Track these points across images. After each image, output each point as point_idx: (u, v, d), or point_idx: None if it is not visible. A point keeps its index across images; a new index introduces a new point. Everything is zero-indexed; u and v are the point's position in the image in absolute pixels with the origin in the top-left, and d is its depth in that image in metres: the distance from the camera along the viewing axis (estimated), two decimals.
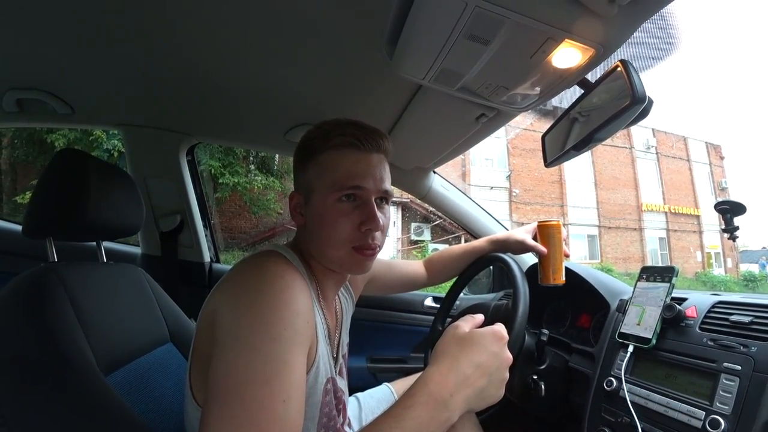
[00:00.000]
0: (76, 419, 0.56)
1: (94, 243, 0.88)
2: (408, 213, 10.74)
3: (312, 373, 0.58)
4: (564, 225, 0.92)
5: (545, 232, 0.90)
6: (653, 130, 14.52)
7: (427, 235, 10.92)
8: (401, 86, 0.87)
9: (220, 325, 0.49)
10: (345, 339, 0.75)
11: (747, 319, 0.68)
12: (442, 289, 1.38)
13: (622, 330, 0.81)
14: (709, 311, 0.75)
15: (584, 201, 13.29)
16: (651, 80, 0.63)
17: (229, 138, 1.43)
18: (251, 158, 8.26)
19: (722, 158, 16.06)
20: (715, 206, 0.85)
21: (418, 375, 0.50)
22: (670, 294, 0.78)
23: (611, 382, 0.76)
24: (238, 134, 1.34)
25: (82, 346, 0.60)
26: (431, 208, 1.54)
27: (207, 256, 1.45)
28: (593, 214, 13.44)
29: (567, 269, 0.91)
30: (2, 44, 0.83)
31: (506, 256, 0.89)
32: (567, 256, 0.91)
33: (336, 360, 0.69)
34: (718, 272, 13.98)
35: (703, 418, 0.62)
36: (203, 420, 0.43)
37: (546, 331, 0.87)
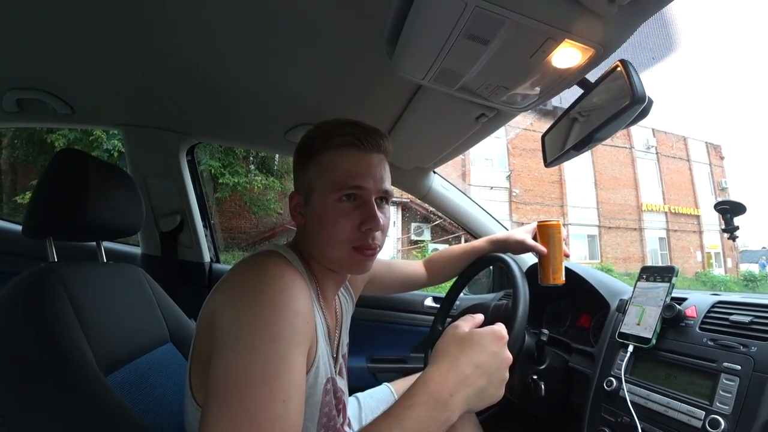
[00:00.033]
0: (76, 419, 0.56)
1: (94, 243, 0.88)
2: (408, 213, 10.74)
3: (312, 373, 0.58)
4: (564, 225, 0.92)
5: (545, 232, 0.90)
6: (653, 130, 14.53)
7: (427, 235, 10.92)
8: (401, 86, 0.87)
9: (220, 325, 0.49)
10: (345, 339, 0.75)
11: (747, 319, 0.68)
12: (442, 289, 1.38)
13: (622, 330, 0.81)
14: (709, 311, 0.75)
15: (584, 201, 13.29)
16: (651, 80, 0.63)
17: (229, 138, 1.43)
18: (251, 158, 8.27)
19: (722, 158, 16.06)
20: (715, 206, 0.85)
21: (418, 375, 0.50)
22: (670, 294, 0.78)
23: (611, 382, 0.76)
24: (238, 134, 1.34)
25: (82, 346, 0.60)
26: (431, 208, 1.54)
27: (207, 256, 1.45)
28: (593, 214, 13.44)
29: (567, 269, 0.91)
30: (2, 44, 0.83)
31: (506, 256, 0.90)
32: (567, 256, 0.91)
33: (336, 360, 0.69)
34: (718, 272, 13.98)
35: (703, 417, 0.62)
36: (203, 420, 0.43)
37: (546, 331, 0.87)
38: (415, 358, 1.45)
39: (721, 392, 0.63)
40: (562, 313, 1.11)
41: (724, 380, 0.63)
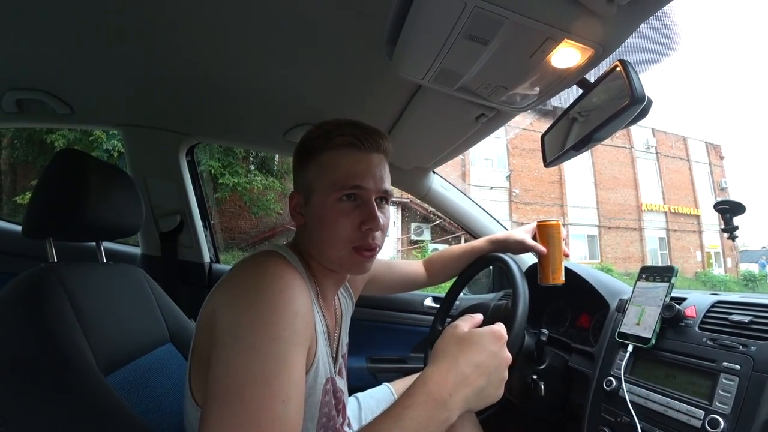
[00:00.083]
0: (75, 419, 0.56)
1: (94, 243, 0.88)
2: (408, 213, 10.74)
3: (311, 374, 0.58)
4: (564, 225, 0.92)
5: (545, 232, 0.90)
6: (653, 129, 14.53)
7: (426, 235, 10.92)
8: (401, 86, 0.87)
9: (220, 325, 0.49)
10: (344, 339, 0.75)
11: (746, 319, 0.68)
12: (442, 289, 1.38)
13: (622, 330, 0.81)
14: (708, 311, 0.75)
15: (584, 201, 13.29)
16: (650, 80, 0.63)
17: (229, 138, 1.43)
18: (251, 158, 8.27)
19: (722, 158, 16.06)
20: (715, 206, 0.85)
21: (417, 375, 0.50)
22: (670, 294, 0.78)
23: (611, 381, 0.76)
24: (238, 134, 1.34)
25: (81, 347, 0.60)
26: (431, 208, 1.54)
27: (207, 257, 1.45)
28: (593, 214, 13.44)
29: (566, 269, 0.91)
30: (2, 44, 0.83)
31: (506, 256, 0.90)
32: (567, 255, 0.91)
33: (335, 360, 0.69)
34: (717, 272, 13.99)
35: (702, 417, 0.62)
36: (203, 420, 0.43)
37: (546, 331, 0.87)
38: (415, 358, 1.45)
39: (720, 392, 0.63)
40: (561, 313, 1.11)
41: (723, 380, 0.63)
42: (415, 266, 1.05)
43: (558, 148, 0.76)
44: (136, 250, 1.42)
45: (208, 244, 1.47)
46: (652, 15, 0.52)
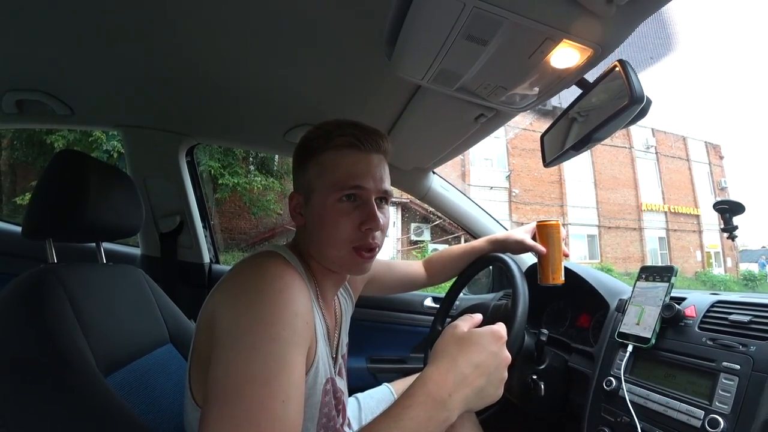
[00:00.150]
0: (75, 420, 0.56)
1: (94, 244, 0.88)
2: (408, 213, 10.74)
3: (311, 374, 0.58)
4: (564, 225, 0.92)
5: (544, 232, 0.90)
6: (652, 129, 14.53)
7: (426, 236, 10.91)
8: (400, 87, 0.87)
9: (220, 325, 0.49)
10: (344, 339, 0.76)
11: (746, 319, 0.68)
12: (442, 289, 1.38)
13: (622, 330, 0.81)
14: (708, 311, 0.75)
15: (584, 201, 13.29)
16: (649, 80, 0.63)
17: (229, 139, 1.43)
18: (251, 159, 8.27)
19: (722, 158, 16.06)
20: (714, 206, 0.85)
21: (417, 375, 0.50)
22: (669, 293, 0.78)
23: (611, 381, 0.76)
24: (238, 135, 1.34)
25: (81, 347, 0.60)
26: (431, 209, 1.54)
27: (206, 257, 1.45)
28: (593, 214, 13.44)
29: (566, 269, 0.91)
30: (2, 45, 0.83)
31: (505, 256, 0.90)
32: (566, 255, 0.91)
33: (335, 360, 0.69)
34: (717, 272, 13.99)
35: (702, 417, 0.62)
36: (203, 420, 0.43)
37: (545, 331, 0.87)
38: (415, 359, 1.45)
39: (720, 392, 0.63)
40: (561, 313, 1.11)
41: (723, 380, 0.63)
42: (415, 266, 1.06)
43: (557, 148, 0.76)
44: (136, 251, 1.42)
45: (208, 244, 1.47)
46: (651, 15, 0.52)
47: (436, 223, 10.50)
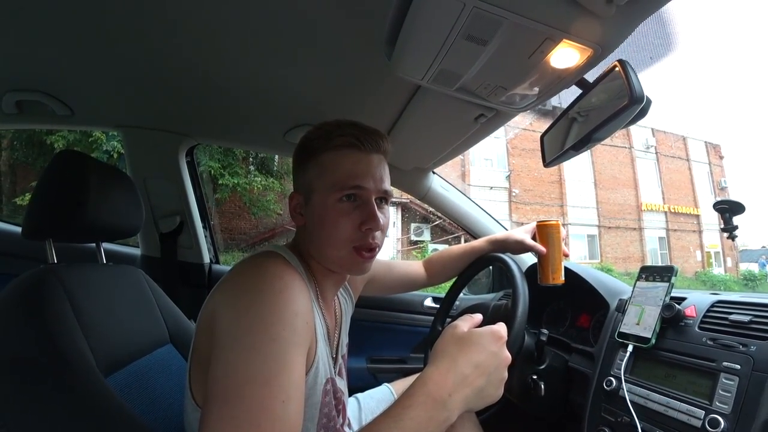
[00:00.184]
0: (75, 420, 0.56)
1: (94, 244, 0.88)
2: (408, 213, 10.74)
3: (311, 374, 0.58)
4: (564, 225, 0.92)
5: (544, 232, 0.90)
6: (652, 129, 14.52)
7: (426, 236, 10.91)
8: (400, 87, 0.87)
9: (220, 325, 0.49)
10: (344, 339, 0.76)
11: (746, 319, 0.68)
12: (442, 290, 1.38)
13: (622, 330, 0.81)
14: (708, 310, 0.75)
15: (584, 201, 13.28)
16: (649, 80, 0.63)
17: (229, 139, 1.43)
18: (251, 159, 8.27)
19: (721, 158, 16.06)
20: (714, 205, 0.85)
21: (417, 375, 0.50)
22: (670, 293, 0.78)
23: (611, 381, 0.76)
24: (238, 135, 1.34)
25: (81, 347, 0.60)
26: (431, 209, 1.54)
27: (206, 257, 1.45)
28: (593, 214, 13.43)
29: (566, 269, 0.91)
30: (2, 45, 0.83)
31: (505, 256, 0.90)
32: (566, 255, 0.91)
33: (335, 360, 0.69)
34: (717, 271, 13.98)
35: (702, 417, 0.62)
36: (203, 420, 0.43)
37: (545, 331, 0.87)
38: (415, 359, 1.45)
39: (720, 392, 0.63)
40: (561, 313, 1.11)
41: (723, 380, 0.63)
42: (415, 266, 1.06)
43: (557, 148, 0.76)
44: (136, 251, 1.42)
45: (208, 244, 1.47)
46: (650, 15, 0.52)
47: (436, 223, 10.50)
